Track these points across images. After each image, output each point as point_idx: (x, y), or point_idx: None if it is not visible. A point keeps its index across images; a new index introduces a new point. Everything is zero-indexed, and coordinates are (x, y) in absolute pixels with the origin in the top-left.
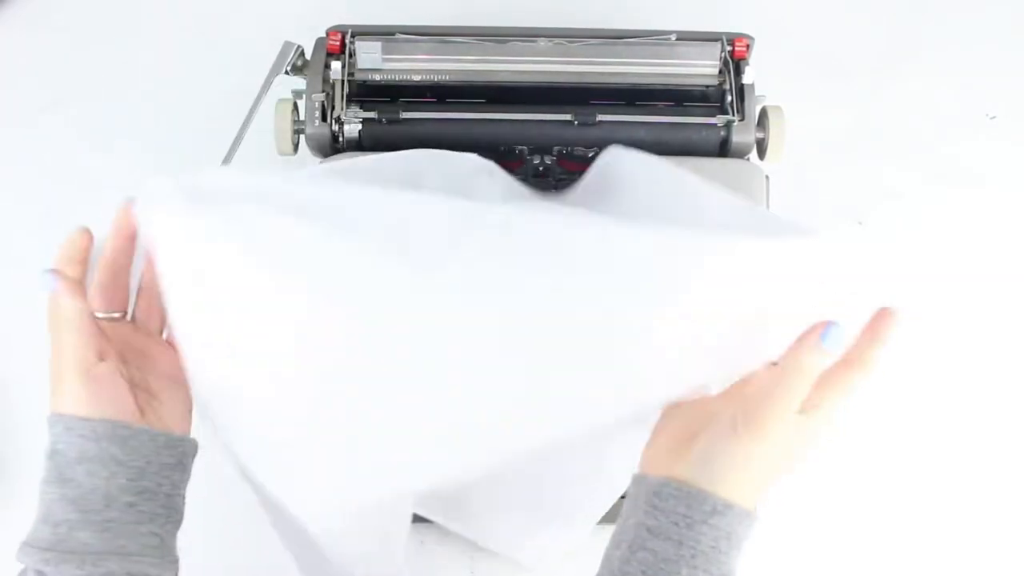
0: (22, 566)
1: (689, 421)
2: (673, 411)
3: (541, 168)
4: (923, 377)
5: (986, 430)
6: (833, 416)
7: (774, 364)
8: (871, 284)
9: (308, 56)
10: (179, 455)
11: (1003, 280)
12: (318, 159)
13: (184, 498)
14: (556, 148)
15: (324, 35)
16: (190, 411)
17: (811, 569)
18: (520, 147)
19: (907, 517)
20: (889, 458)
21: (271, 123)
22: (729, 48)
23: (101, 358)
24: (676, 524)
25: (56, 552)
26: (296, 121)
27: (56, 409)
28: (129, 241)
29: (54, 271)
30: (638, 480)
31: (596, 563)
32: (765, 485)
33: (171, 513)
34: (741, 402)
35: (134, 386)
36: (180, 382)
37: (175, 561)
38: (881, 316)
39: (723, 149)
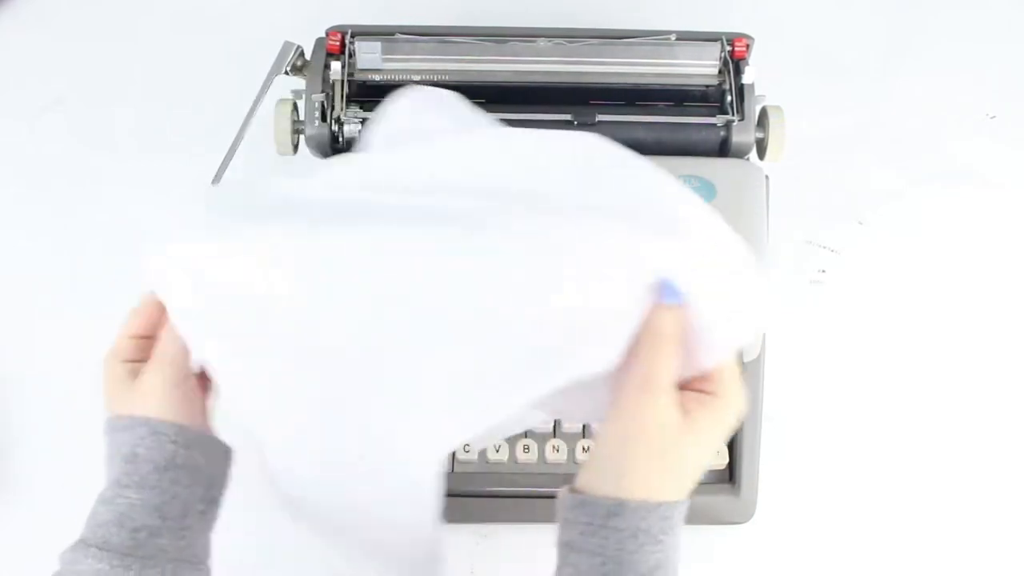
0: (58, 568)
1: (594, 445)
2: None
3: None
4: (923, 377)
5: (986, 430)
6: (734, 394)
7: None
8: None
9: (308, 56)
10: (231, 463)
11: (1003, 280)
12: (318, 159)
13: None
14: None
15: (324, 35)
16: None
17: (810, 570)
18: None
19: (908, 517)
20: (889, 458)
21: (271, 123)
22: (729, 48)
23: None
24: (582, 534)
25: (137, 558)
26: (296, 121)
27: (133, 412)
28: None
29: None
30: (558, 497)
31: None
32: (668, 470)
33: (215, 520)
34: (618, 392)
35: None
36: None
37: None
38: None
39: (723, 149)
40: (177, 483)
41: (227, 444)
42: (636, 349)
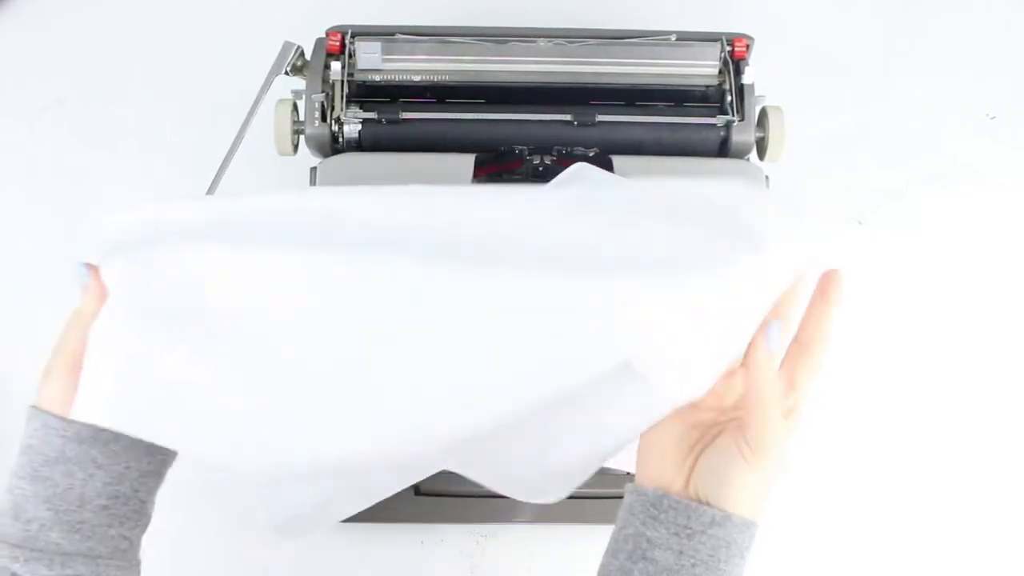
0: None
1: (681, 436)
2: (661, 426)
3: (541, 168)
4: (923, 376)
5: (986, 429)
6: (806, 405)
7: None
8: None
9: (308, 56)
10: (159, 463)
11: (1003, 280)
12: (318, 159)
13: (154, 503)
14: (556, 148)
15: (324, 35)
16: None
17: (807, 569)
18: (520, 147)
19: (906, 514)
20: (888, 457)
21: (271, 123)
22: (729, 48)
23: None
24: (676, 535)
25: (26, 550)
26: (296, 121)
27: (39, 404)
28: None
29: (91, 266)
30: (634, 491)
31: (591, 569)
32: (767, 496)
33: (141, 517)
34: (736, 426)
35: None
36: None
37: (138, 564)
38: (826, 280)
39: (723, 149)
40: (70, 476)
41: (151, 443)
42: (747, 383)
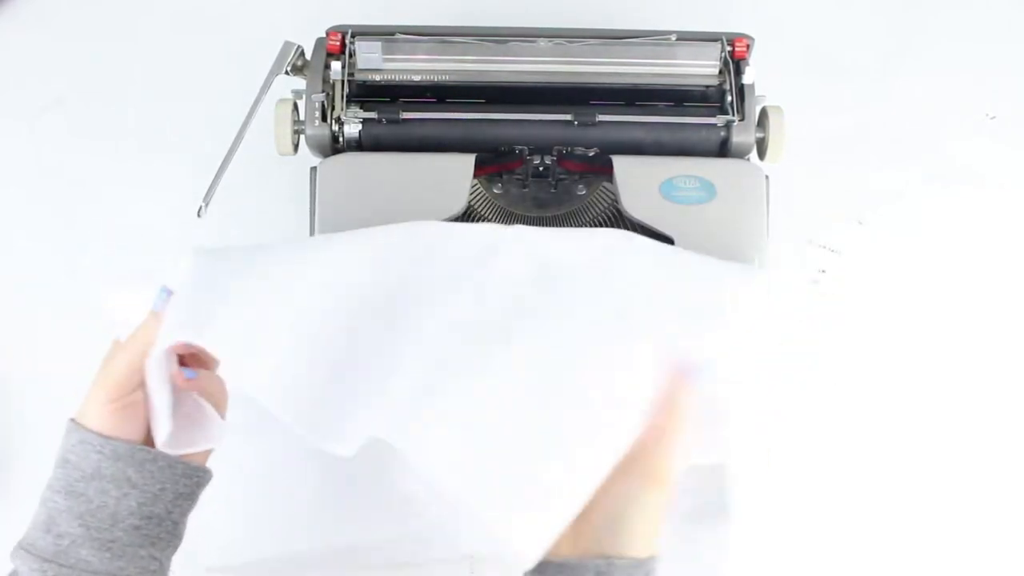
0: (12, 567)
1: (587, 506)
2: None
3: (541, 168)
4: (922, 376)
5: (985, 429)
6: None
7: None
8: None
9: (308, 56)
10: (194, 485)
11: (1003, 280)
12: (318, 159)
13: (186, 525)
14: (556, 148)
15: (324, 35)
16: (209, 452)
17: (802, 568)
18: (520, 147)
19: (903, 515)
20: (887, 457)
21: (271, 123)
22: (729, 48)
23: (138, 387)
24: None
25: (56, 564)
26: (296, 121)
27: (79, 418)
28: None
29: (172, 293)
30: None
31: None
32: (659, 526)
33: (173, 539)
34: (642, 457)
35: None
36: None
37: None
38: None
39: (723, 149)
40: (104, 494)
41: (187, 464)
42: (658, 422)
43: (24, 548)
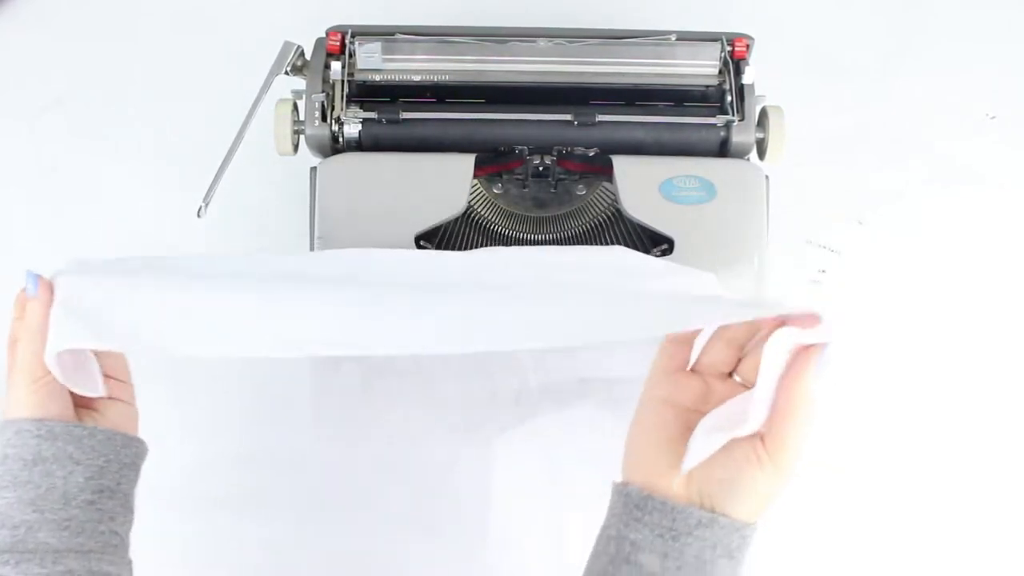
0: None
1: (669, 436)
2: (650, 418)
3: (541, 168)
4: (923, 376)
5: (985, 429)
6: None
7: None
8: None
9: (308, 56)
10: (134, 455)
11: (1003, 280)
12: (318, 159)
13: (135, 498)
14: (556, 148)
15: (324, 35)
16: (136, 421)
17: (806, 563)
18: (520, 147)
19: (906, 512)
20: (887, 456)
21: (271, 123)
22: (729, 48)
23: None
24: (660, 536)
25: (15, 552)
26: (296, 121)
27: (6, 416)
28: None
29: (40, 276)
30: (618, 491)
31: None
32: (769, 504)
33: (127, 512)
34: (770, 436)
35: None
36: (123, 399)
37: (130, 563)
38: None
39: (723, 149)
40: (50, 475)
41: (122, 435)
42: (788, 400)
43: None
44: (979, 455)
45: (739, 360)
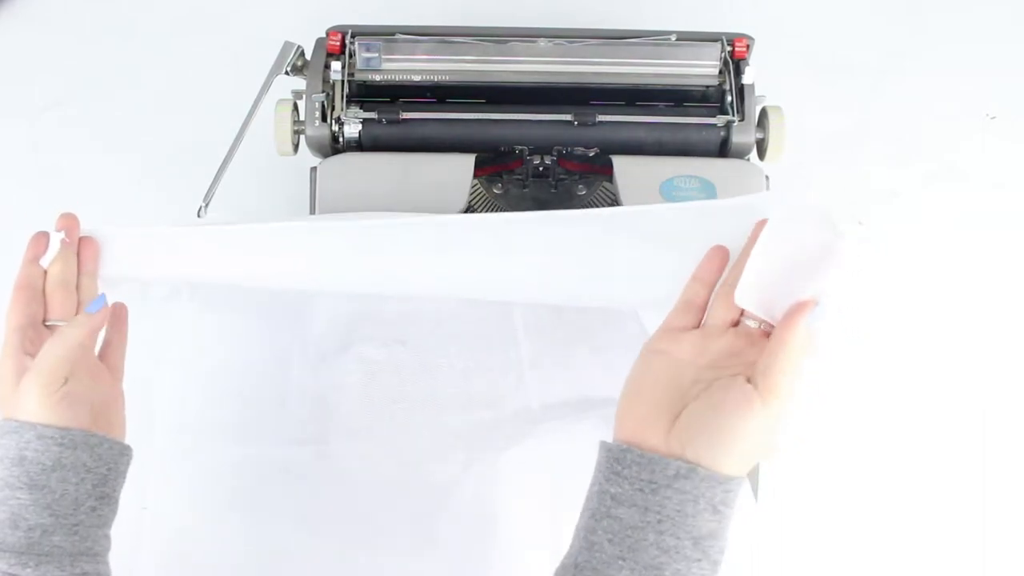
0: None
1: (661, 392)
2: (641, 369)
3: (541, 168)
4: (922, 375)
5: (985, 428)
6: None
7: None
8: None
9: (308, 56)
10: (126, 463)
11: (1003, 279)
12: (318, 159)
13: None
14: (556, 148)
15: (324, 35)
16: (124, 423)
17: (810, 555)
18: (520, 147)
19: (902, 509)
20: (887, 456)
21: (271, 123)
22: (729, 48)
23: (67, 379)
24: (640, 490)
25: (33, 555)
26: (296, 121)
27: (17, 416)
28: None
29: (106, 300)
30: (602, 447)
31: None
32: (755, 457)
33: (113, 515)
34: (757, 371)
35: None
36: (118, 399)
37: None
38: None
39: (723, 149)
40: (65, 482)
41: (121, 444)
42: (780, 339)
43: None
44: (979, 453)
45: (742, 312)
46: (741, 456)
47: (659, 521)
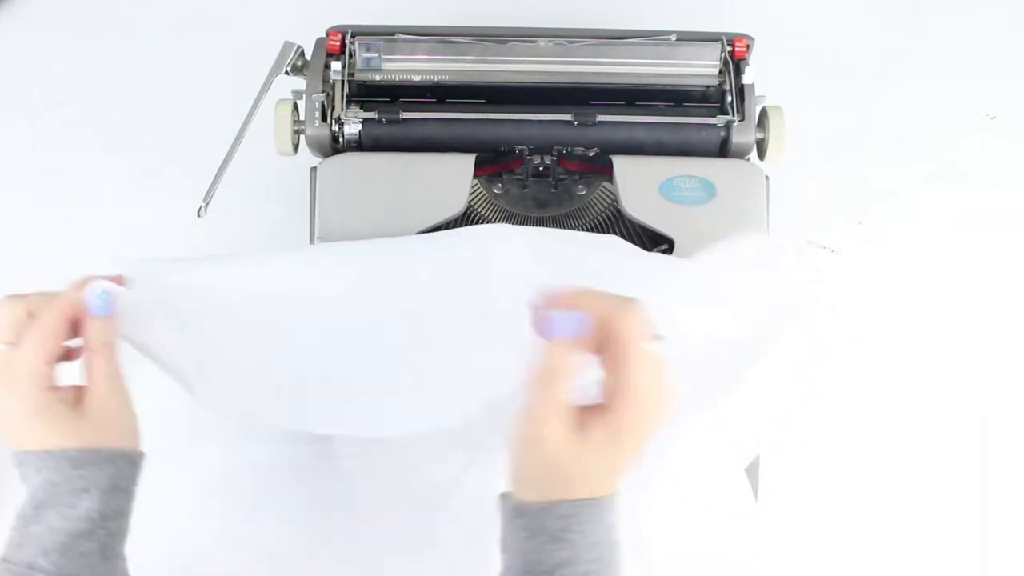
0: None
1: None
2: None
3: (541, 168)
4: (922, 375)
5: (985, 428)
6: (636, 407)
7: None
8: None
9: (308, 56)
10: (139, 470)
11: (1003, 279)
12: (318, 159)
13: None
14: (556, 148)
15: (324, 35)
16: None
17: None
18: (520, 147)
19: (901, 509)
20: (887, 455)
21: (271, 123)
22: (729, 48)
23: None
24: (505, 532)
25: (55, 554)
26: (296, 121)
27: (52, 447)
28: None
29: (111, 294)
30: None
31: None
32: (570, 478)
33: (127, 531)
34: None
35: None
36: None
37: None
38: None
39: (723, 149)
40: (90, 498)
41: (140, 452)
42: (529, 378)
43: (7, 560)
44: (979, 453)
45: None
46: (558, 482)
47: (521, 560)
